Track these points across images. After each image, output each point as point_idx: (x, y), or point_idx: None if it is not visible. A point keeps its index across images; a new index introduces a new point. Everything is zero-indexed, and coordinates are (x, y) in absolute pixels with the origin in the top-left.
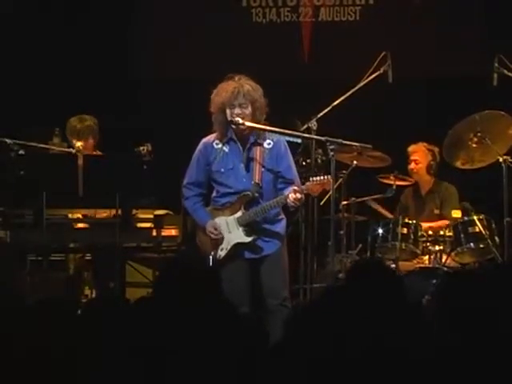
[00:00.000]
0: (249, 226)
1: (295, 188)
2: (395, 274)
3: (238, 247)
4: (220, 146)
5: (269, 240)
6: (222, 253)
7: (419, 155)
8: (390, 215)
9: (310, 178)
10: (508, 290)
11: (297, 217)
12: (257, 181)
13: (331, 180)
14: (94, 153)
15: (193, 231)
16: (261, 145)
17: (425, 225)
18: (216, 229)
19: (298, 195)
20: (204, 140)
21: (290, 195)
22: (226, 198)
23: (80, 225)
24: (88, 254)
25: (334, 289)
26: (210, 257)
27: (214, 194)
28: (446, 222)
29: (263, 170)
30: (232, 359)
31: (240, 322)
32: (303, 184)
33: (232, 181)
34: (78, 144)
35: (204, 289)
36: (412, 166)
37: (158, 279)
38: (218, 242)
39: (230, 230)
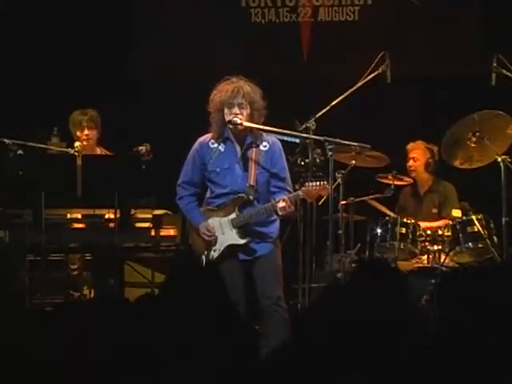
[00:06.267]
0: (242, 228)
1: (284, 198)
2: (399, 273)
3: (231, 249)
4: (216, 145)
5: (262, 241)
6: (214, 254)
7: (418, 153)
8: (390, 213)
9: (306, 183)
10: (507, 289)
11: (294, 217)
12: (252, 183)
13: (328, 186)
14: (98, 148)
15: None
16: (257, 146)
17: (424, 224)
18: (209, 230)
19: (285, 205)
20: (200, 139)
21: (278, 205)
22: (220, 199)
23: (79, 225)
24: (87, 254)
25: (336, 289)
26: (203, 257)
27: (208, 194)
28: (446, 221)
29: (258, 171)
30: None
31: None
32: (300, 187)
33: (227, 181)
34: (77, 144)
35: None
36: (410, 163)
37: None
38: (210, 242)
39: (224, 232)
